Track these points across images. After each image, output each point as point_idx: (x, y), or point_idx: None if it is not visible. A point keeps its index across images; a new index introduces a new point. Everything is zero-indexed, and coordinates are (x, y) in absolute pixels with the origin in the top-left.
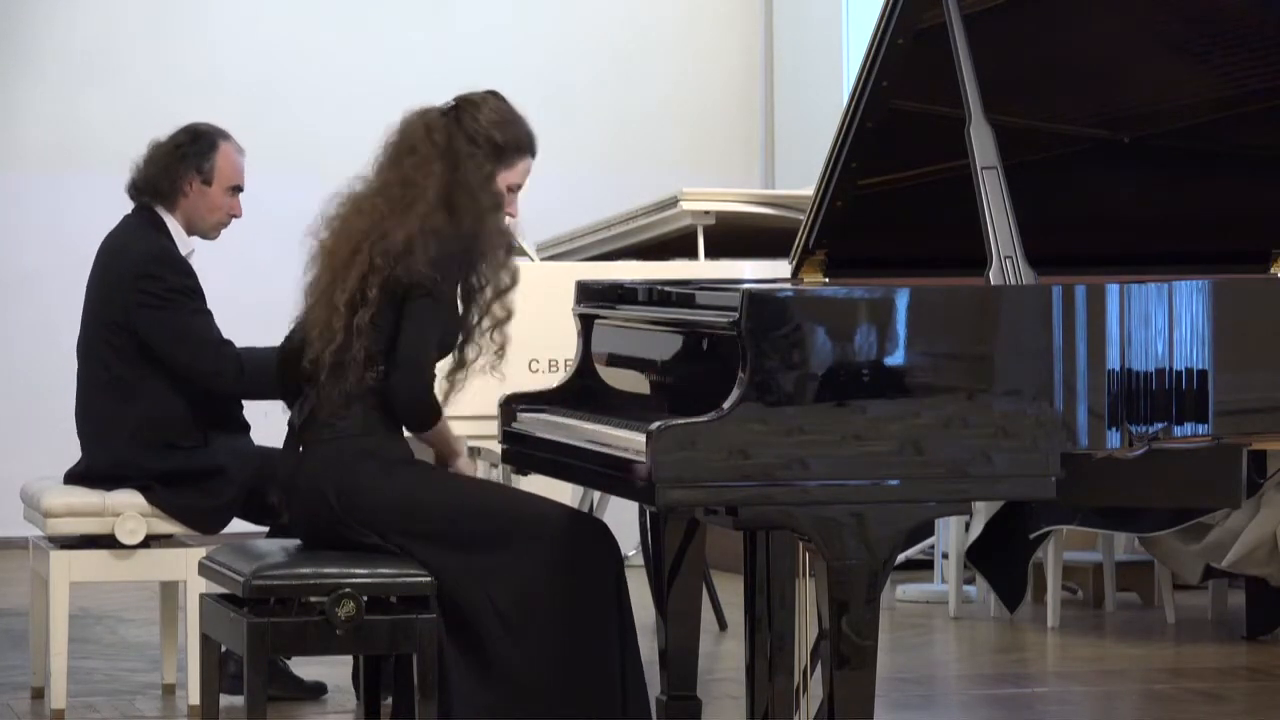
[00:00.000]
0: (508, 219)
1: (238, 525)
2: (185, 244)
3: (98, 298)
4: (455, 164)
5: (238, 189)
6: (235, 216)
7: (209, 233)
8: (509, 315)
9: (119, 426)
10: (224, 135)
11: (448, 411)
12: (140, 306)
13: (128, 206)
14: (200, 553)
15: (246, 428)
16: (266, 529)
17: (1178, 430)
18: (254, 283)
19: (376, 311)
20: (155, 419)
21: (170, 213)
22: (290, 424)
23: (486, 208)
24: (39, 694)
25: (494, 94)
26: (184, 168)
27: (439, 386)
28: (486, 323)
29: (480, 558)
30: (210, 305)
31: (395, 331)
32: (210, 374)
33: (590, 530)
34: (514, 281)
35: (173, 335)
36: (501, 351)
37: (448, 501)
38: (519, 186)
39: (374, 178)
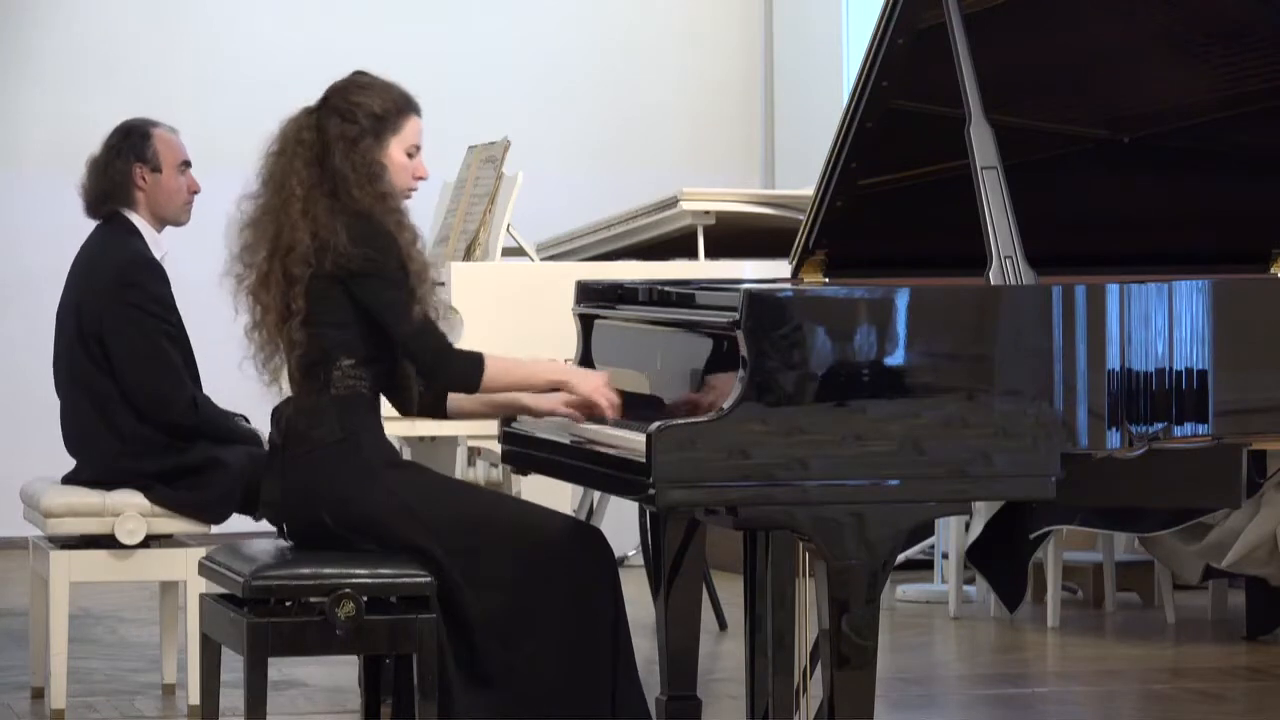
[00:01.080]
0: (415, 180)
1: (238, 524)
2: (158, 245)
3: (75, 312)
4: (326, 151)
5: (186, 164)
6: (195, 193)
7: (179, 217)
8: (426, 269)
9: (110, 439)
10: (153, 124)
11: None
12: (121, 318)
13: None
14: (200, 553)
15: (238, 417)
16: (267, 524)
17: (1178, 430)
18: None
19: (305, 316)
20: (144, 426)
21: (134, 212)
22: (270, 442)
23: (357, 179)
24: (39, 694)
25: (360, 72)
26: (127, 163)
27: None
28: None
29: (475, 568)
30: (201, 306)
31: (347, 327)
32: (162, 401)
33: (584, 537)
34: (414, 237)
35: (140, 352)
36: (436, 310)
37: (441, 511)
38: (418, 147)
39: (259, 190)
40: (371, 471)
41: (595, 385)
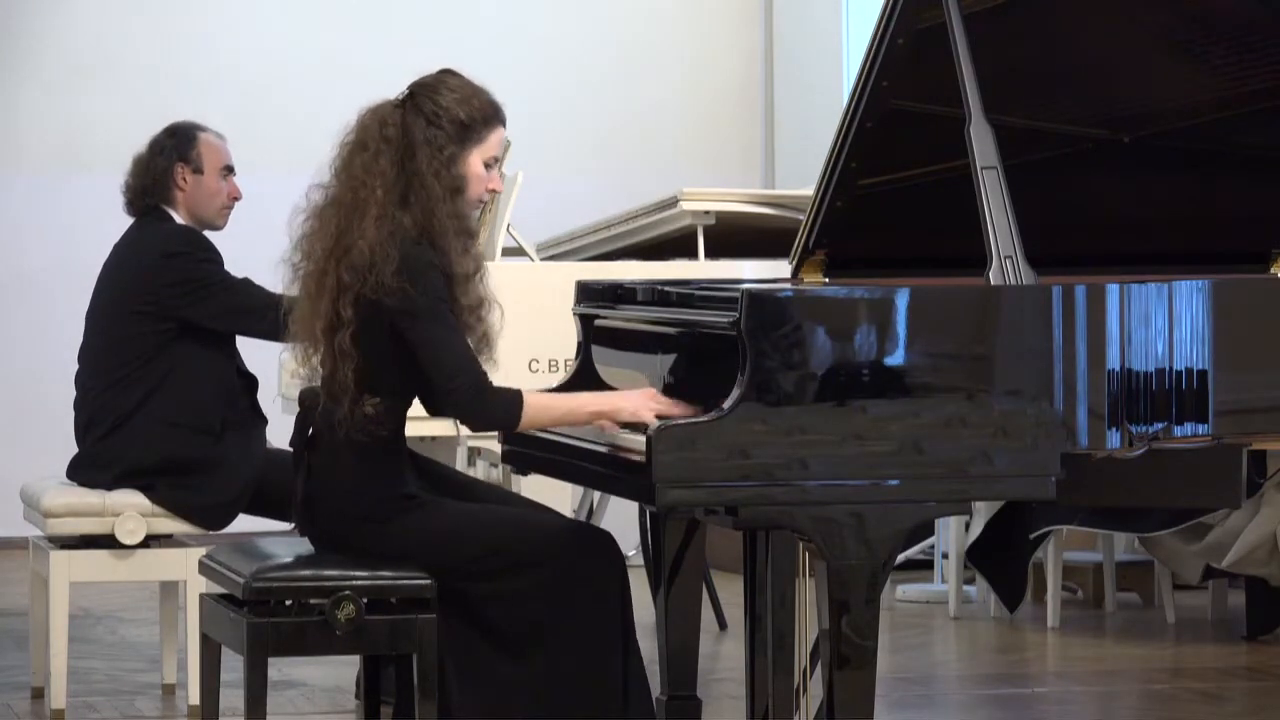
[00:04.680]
0: (488, 193)
1: (241, 524)
2: None
3: (117, 289)
4: (410, 154)
5: (229, 169)
6: (236, 199)
7: (215, 220)
8: (481, 302)
9: (133, 415)
10: (200, 127)
11: None
12: (177, 290)
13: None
14: (200, 553)
15: (264, 422)
16: (273, 523)
17: (1178, 430)
18: None
19: (355, 330)
20: (170, 403)
21: (173, 210)
22: (292, 444)
23: (441, 192)
24: (39, 694)
25: (449, 71)
26: (170, 162)
27: None
28: (463, 314)
29: (486, 588)
30: None
31: (385, 357)
32: (269, 334)
33: (593, 543)
34: (476, 267)
35: (227, 311)
36: (485, 341)
37: (449, 540)
38: (497, 160)
39: (330, 182)
40: (384, 518)
41: (637, 409)
